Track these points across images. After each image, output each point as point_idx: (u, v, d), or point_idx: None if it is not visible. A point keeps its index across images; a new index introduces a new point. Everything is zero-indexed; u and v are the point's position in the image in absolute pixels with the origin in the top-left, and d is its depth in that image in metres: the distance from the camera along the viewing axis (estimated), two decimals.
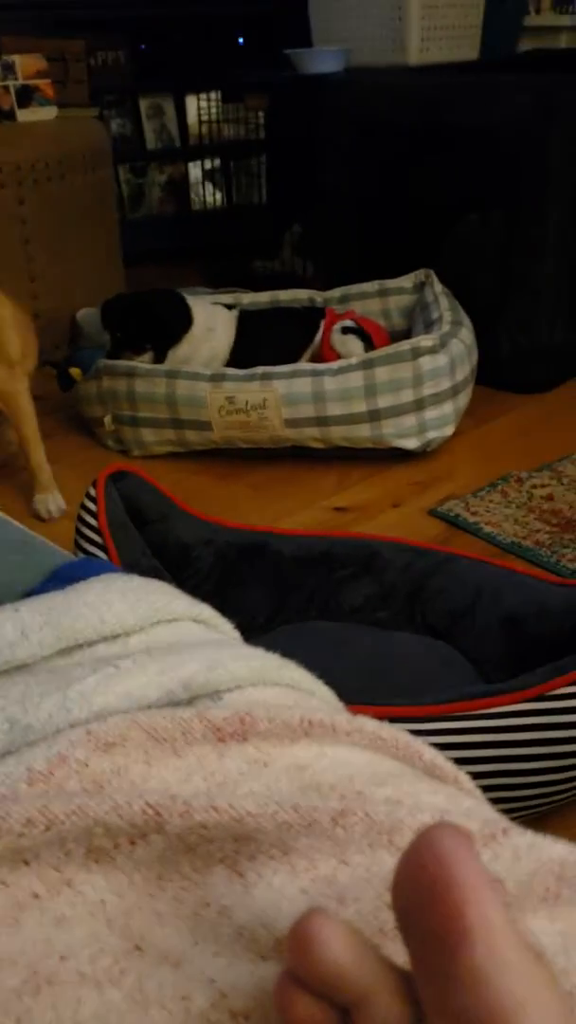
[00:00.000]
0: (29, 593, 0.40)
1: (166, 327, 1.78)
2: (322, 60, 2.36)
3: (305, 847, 0.26)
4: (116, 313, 1.82)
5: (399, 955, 0.22)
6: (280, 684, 0.36)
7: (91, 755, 0.28)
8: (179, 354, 1.79)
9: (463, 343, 1.68)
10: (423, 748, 0.33)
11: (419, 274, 1.97)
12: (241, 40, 3.22)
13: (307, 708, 0.32)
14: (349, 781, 0.29)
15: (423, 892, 0.20)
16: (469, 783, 0.33)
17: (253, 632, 1.09)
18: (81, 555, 0.96)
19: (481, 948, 0.19)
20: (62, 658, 0.35)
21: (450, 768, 0.33)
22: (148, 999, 0.23)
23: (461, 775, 0.33)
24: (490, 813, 0.31)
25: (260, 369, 1.62)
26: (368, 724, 0.33)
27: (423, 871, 0.20)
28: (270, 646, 0.38)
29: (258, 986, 0.23)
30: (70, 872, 0.25)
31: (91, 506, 1.00)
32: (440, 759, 0.33)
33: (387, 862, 0.26)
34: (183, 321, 1.79)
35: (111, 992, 0.23)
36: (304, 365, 1.65)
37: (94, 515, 0.99)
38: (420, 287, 1.97)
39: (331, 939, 0.20)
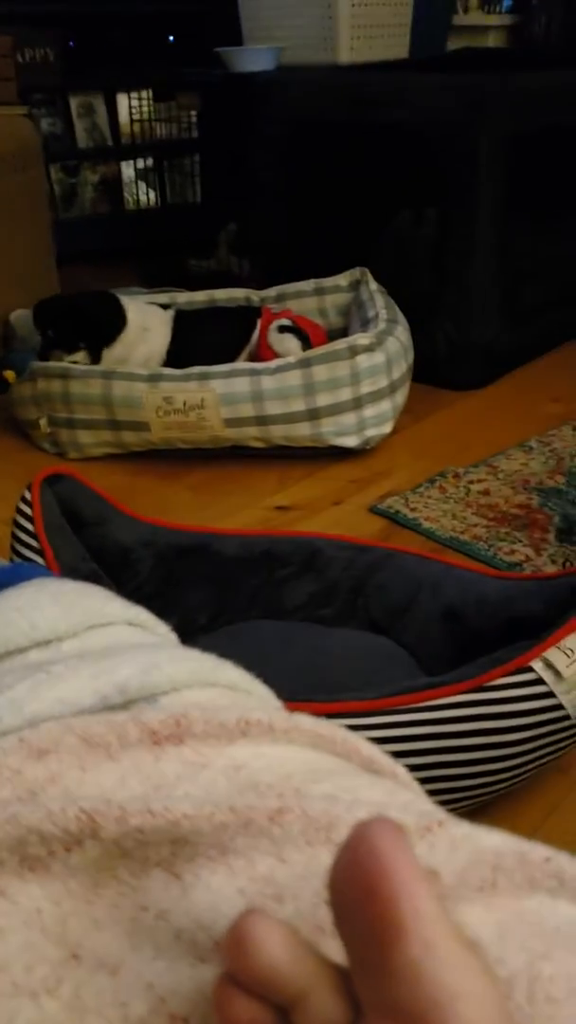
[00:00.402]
0: None
1: (98, 327, 1.76)
2: (253, 58, 2.35)
3: (243, 847, 0.26)
4: (48, 313, 1.80)
5: (338, 952, 0.23)
6: (217, 685, 0.35)
7: (24, 763, 0.28)
8: (114, 355, 1.77)
9: (399, 341, 1.70)
10: (360, 743, 0.33)
11: (354, 272, 1.98)
12: (172, 38, 3.20)
13: (244, 708, 0.32)
14: (287, 779, 0.29)
15: (357, 887, 0.20)
16: (407, 776, 0.34)
17: (195, 633, 1.08)
18: (18, 560, 0.95)
19: (415, 941, 0.19)
20: None
21: (387, 762, 0.33)
22: (86, 1008, 0.23)
23: (399, 769, 0.33)
24: (427, 805, 0.31)
25: (197, 369, 1.62)
26: (305, 722, 0.33)
27: (357, 866, 0.20)
28: (212, 647, 0.37)
29: (197, 989, 0.23)
30: (4, 881, 0.25)
31: (27, 510, 0.98)
32: (378, 754, 0.33)
33: (325, 859, 0.26)
34: (116, 321, 1.77)
35: (48, 1002, 0.23)
36: (242, 364, 1.64)
37: (30, 519, 0.97)
38: (356, 285, 1.98)
39: (266, 939, 0.21)
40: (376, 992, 0.20)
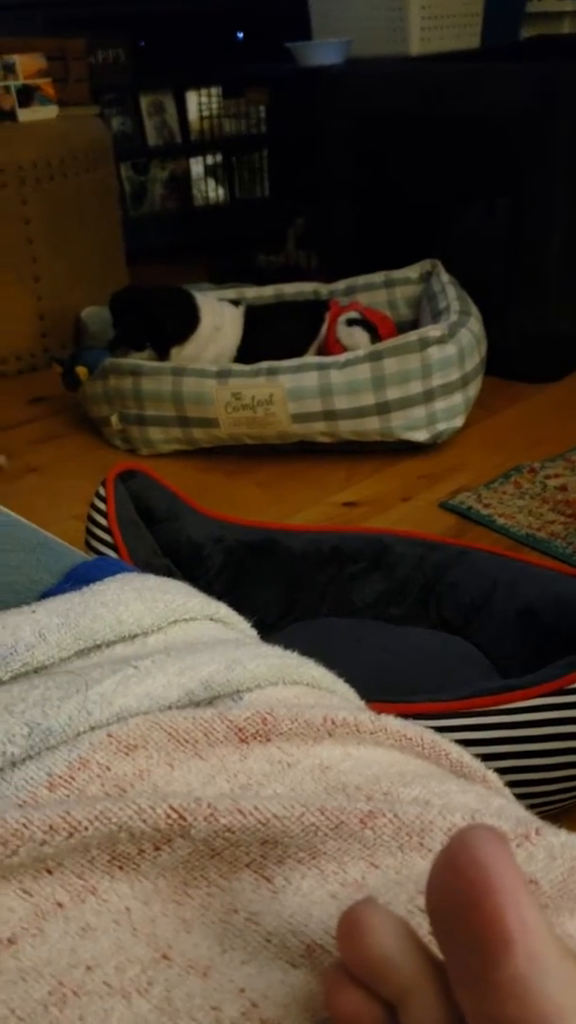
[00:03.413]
0: (46, 594, 0.39)
1: (163, 327, 1.77)
2: (323, 52, 2.34)
3: (333, 850, 0.26)
4: (117, 306, 1.82)
5: None
6: (300, 683, 0.35)
7: (113, 758, 0.28)
8: (185, 353, 1.78)
9: (472, 332, 1.67)
10: (449, 746, 0.32)
11: (425, 264, 1.96)
12: (240, 35, 3.21)
13: (329, 707, 0.32)
14: (375, 782, 0.29)
15: (460, 897, 0.19)
16: (498, 781, 0.33)
17: (265, 630, 1.08)
18: (94, 555, 0.96)
19: (521, 955, 0.18)
20: (80, 659, 0.34)
21: (477, 766, 0.32)
22: (177, 1010, 0.22)
23: (489, 774, 0.33)
24: (521, 812, 0.30)
25: (266, 364, 1.61)
26: (392, 723, 0.32)
27: (459, 875, 0.19)
28: (283, 644, 0.37)
29: (289, 994, 0.23)
30: (94, 880, 0.25)
31: (101, 506, 1.00)
32: (467, 757, 0.33)
33: (418, 864, 0.26)
34: (186, 322, 1.77)
35: (139, 1003, 0.22)
36: (310, 359, 1.64)
37: (104, 515, 0.98)
38: (426, 277, 1.96)
39: (380, 926, 0.20)
40: (479, 1004, 0.19)
